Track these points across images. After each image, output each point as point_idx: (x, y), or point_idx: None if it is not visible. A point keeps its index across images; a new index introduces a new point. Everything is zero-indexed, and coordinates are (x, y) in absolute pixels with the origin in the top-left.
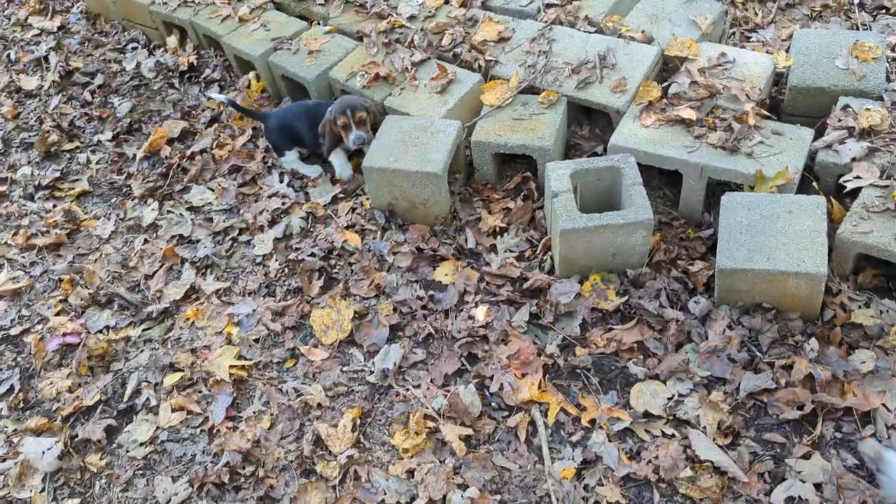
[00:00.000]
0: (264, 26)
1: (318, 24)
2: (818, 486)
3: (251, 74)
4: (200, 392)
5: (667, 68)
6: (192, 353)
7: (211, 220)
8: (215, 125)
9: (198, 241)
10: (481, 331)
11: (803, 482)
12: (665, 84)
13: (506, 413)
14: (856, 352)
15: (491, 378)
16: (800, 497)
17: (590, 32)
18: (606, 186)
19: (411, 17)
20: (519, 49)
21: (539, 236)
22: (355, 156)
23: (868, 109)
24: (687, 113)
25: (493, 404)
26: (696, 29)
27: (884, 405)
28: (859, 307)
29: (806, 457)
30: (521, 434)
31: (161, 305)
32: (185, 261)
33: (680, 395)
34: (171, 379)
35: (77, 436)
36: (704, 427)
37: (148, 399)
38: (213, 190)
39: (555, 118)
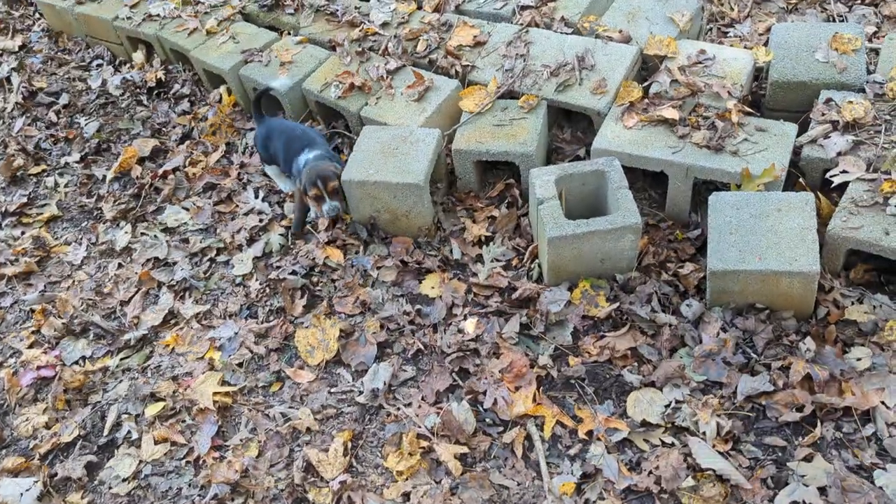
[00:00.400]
0: (233, 38)
1: (289, 34)
2: (822, 490)
3: (222, 88)
4: (184, 421)
5: (646, 67)
6: (173, 381)
7: (187, 240)
8: (187, 142)
9: (174, 263)
10: (471, 344)
11: (806, 486)
12: (645, 84)
13: (501, 428)
14: (851, 349)
15: (484, 393)
16: (804, 502)
17: (566, 34)
18: (591, 190)
19: (384, 24)
20: (496, 53)
21: (525, 244)
22: None
23: (851, 102)
24: (669, 112)
25: (487, 420)
26: (674, 26)
27: (882, 403)
28: (852, 303)
29: (808, 459)
30: (517, 450)
31: (139, 332)
32: (162, 284)
33: (677, 402)
34: (152, 409)
35: (56, 474)
36: (704, 433)
37: (129, 432)
38: (187, 209)
39: (536, 122)
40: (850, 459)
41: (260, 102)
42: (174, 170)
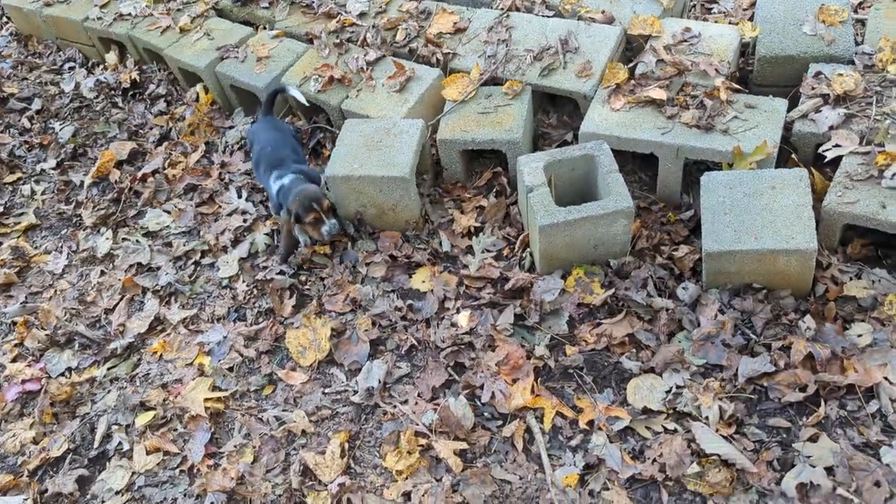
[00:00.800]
0: (208, 35)
1: (265, 28)
2: (829, 469)
3: (198, 87)
4: (176, 430)
5: (631, 48)
6: (162, 389)
7: (170, 244)
8: (165, 143)
9: (158, 268)
10: (466, 337)
11: (813, 467)
12: (631, 65)
13: (500, 422)
14: (852, 325)
15: (481, 387)
16: (811, 483)
17: (548, 17)
18: (581, 175)
19: (361, 15)
20: (477, 39)
21: (516, 233)
22: None
23: (840, 75)
24: (657, 93)
25: (485, 414)
26: (657, 4)
27: (886, 378)
28: (851, 279)
29: (813, 439)
30: (518, 443)
31: (125, 340)
32: (147, 290)
33: (678, 387)
34: (142, 419)
35: (47, 490)
36: (706, 418)
37: (120, 443)
38: (169, 212)
39: (521, 109)
40: (855, 437)
41: (273, 102)
42: (153, 172)
